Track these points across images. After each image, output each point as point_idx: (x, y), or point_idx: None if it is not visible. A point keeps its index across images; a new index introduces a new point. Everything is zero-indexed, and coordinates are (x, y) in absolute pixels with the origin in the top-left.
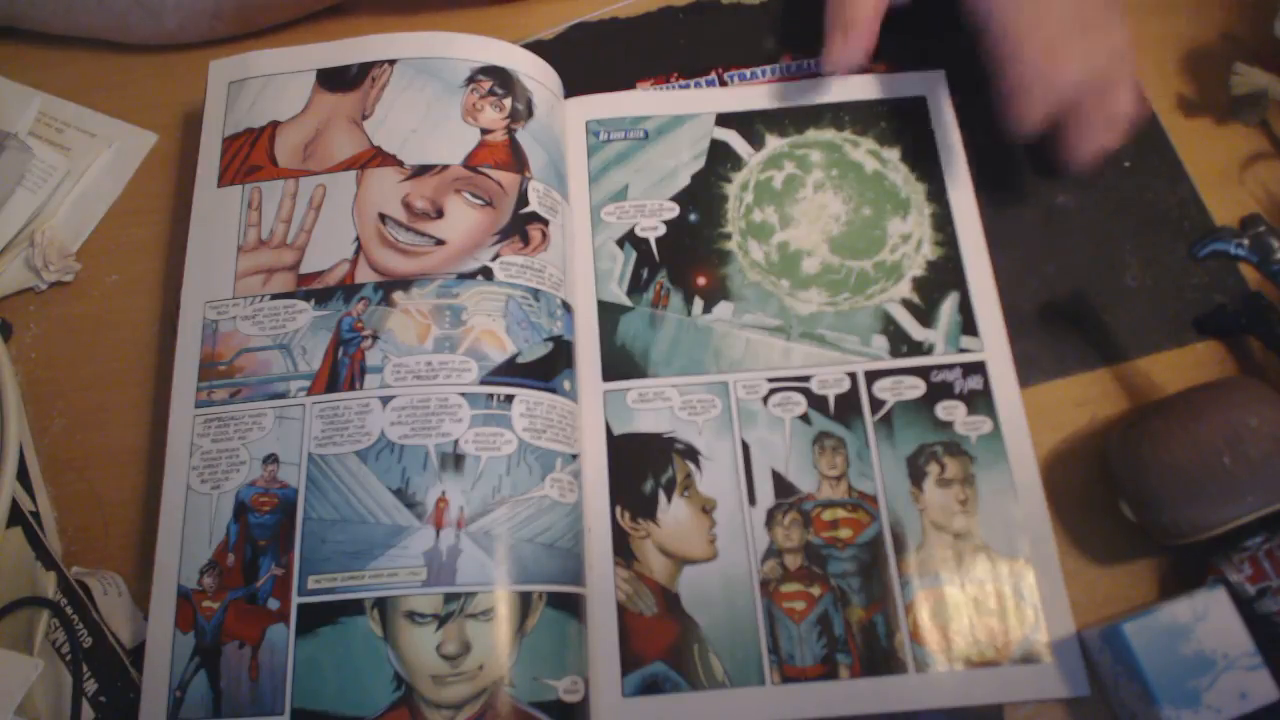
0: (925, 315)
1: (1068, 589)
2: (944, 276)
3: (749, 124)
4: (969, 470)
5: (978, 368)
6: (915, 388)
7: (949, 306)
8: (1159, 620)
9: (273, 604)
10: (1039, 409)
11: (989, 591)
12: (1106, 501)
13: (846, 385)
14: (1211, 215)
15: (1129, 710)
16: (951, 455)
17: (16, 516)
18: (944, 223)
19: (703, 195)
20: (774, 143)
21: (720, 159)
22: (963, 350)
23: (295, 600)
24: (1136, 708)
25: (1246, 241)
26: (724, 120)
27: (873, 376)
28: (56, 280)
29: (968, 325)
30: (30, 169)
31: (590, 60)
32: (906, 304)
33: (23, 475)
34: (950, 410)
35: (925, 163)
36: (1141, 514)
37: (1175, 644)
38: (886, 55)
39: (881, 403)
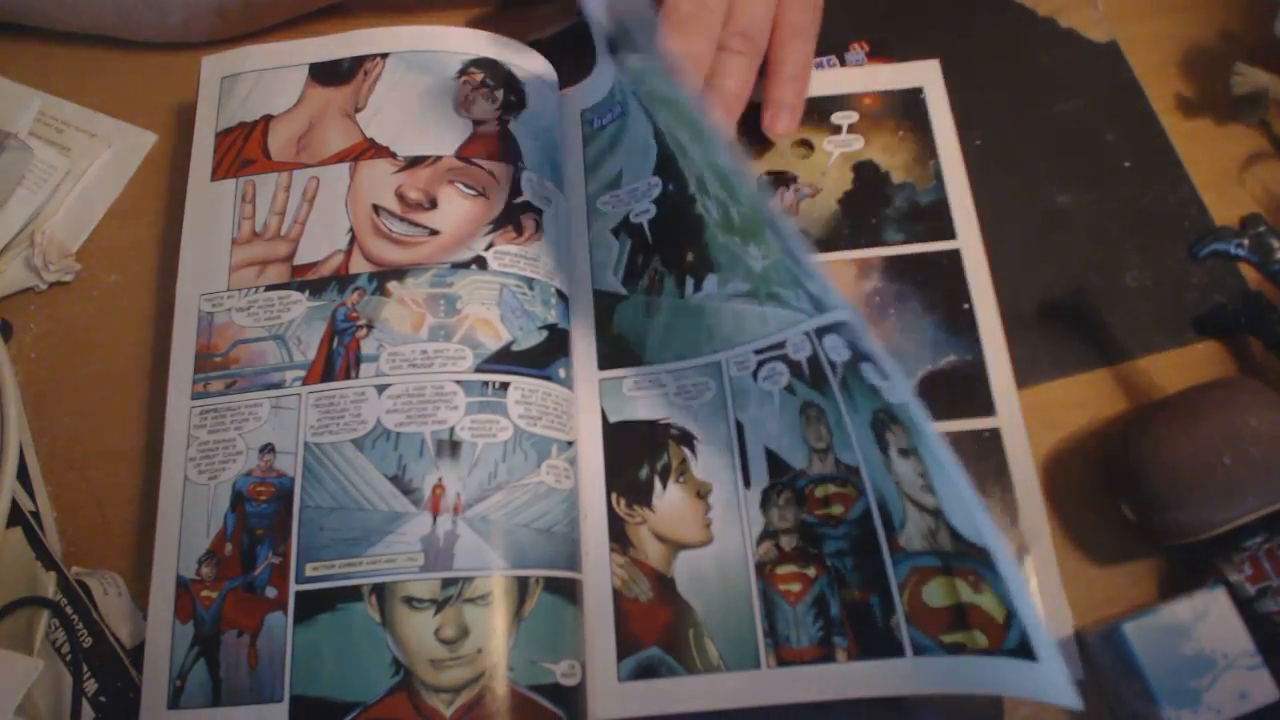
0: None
1: (1067, 589)
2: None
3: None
4: (911, 441)
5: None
6: (839, 346)
7: None
8: (1159, 620)
9: (271, 592)
10: (1038, 409)
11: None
12: (1106, 501)
13: (809, 348)
14: (1211, 215)
15: (1129, 710)
16: (895, 422)
17: (16, 516)
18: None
19: (665, 157)
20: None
21: (649, 107)
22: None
23: (293, 588)
24: (1136, 708)
25: (1246, 241)
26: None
27: (820, 333)
28: (56, 280)
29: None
30: (30, 169)
31: (589, 60)
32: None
33: (23, 475)
34: (871, 372)
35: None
36: (1141, 514)
37: (1175, 644)
38: (882, 48)
39: (834, 363)
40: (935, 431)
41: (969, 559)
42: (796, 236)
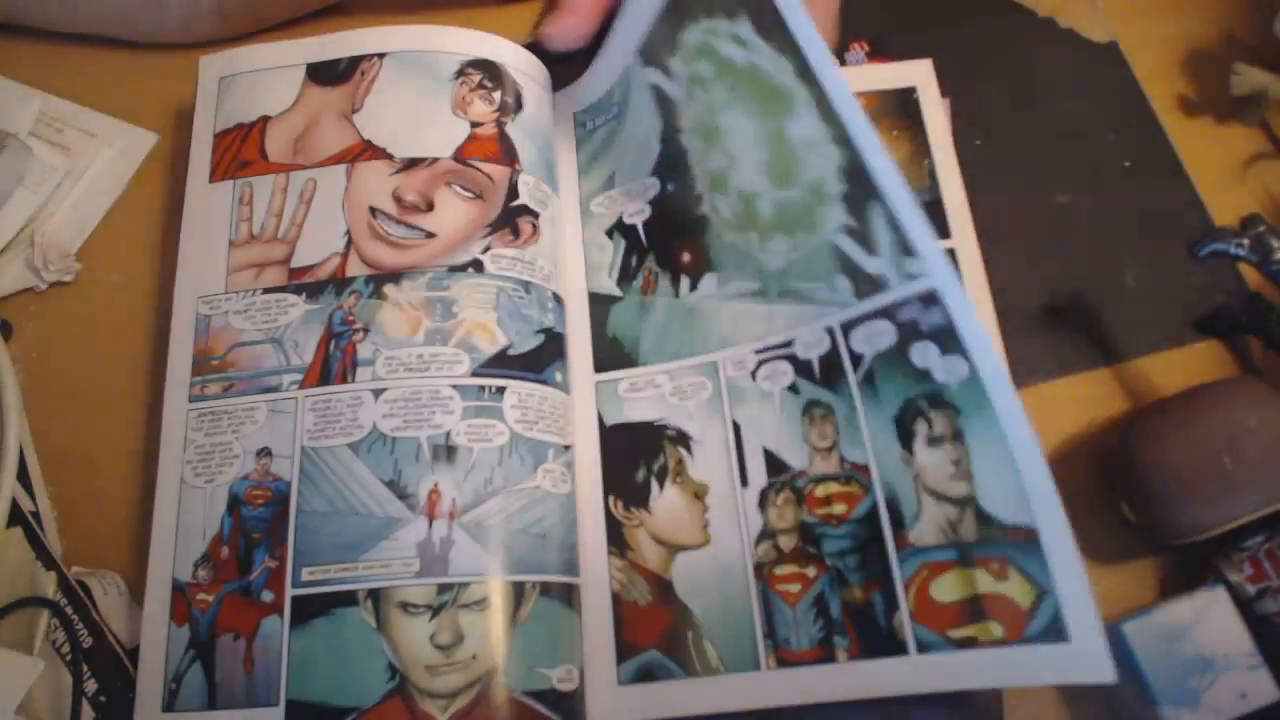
0: (866, 240)
1: None
2: (858, 184)
3: (663, 56)
4: (955, 424)
5: (931, 297)
6: (886, 333)
7: (880, 223)
8: (1159, 620)
9: (267, 596)
10: (1038, 409)
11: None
12: (1106, 501)
13: (827, 344)
14: (1211, 215)
15: (1129, 710)
16: (936, 408)
17: (16, 516)
18: (833, 116)
19: (670, 158)
20: (678, 68)
21: (665, 108)
22: (909, 277)
23: (289, 592)
24: (1136, 707)
25: (1246, 241)
26: (648, 59)
27: (847, 328)
28: (56, 280)
29: (903, 244)
30: (30, 169)
31: (580, 62)
32: (849, 231)
33: (23, 475)
34: (924, 354)
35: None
36: (1141, 514)
37: (1175, 644)
38: (882, 49)
39: (860, 357)
40: (1009, 400)
41: (997, 545)
42: (899, 184)
